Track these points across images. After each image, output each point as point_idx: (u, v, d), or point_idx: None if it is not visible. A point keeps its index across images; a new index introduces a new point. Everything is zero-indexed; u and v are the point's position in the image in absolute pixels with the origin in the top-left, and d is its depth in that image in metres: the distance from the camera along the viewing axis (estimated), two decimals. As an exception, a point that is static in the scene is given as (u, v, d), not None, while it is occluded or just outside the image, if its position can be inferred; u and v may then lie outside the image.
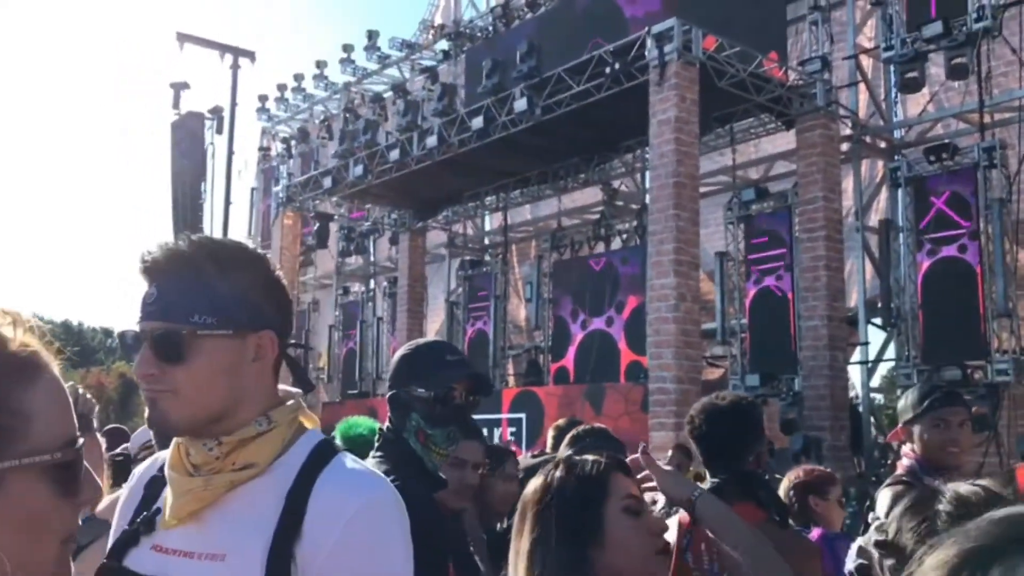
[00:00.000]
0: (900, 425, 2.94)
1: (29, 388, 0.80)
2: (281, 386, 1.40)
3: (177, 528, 1.31)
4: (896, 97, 11.75)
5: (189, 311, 1.28)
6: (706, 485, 2.25)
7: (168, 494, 1.34)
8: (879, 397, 15.74)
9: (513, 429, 11.47)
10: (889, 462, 11.13)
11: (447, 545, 2.12)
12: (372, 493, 1.28)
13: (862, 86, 11.91)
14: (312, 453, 1.32)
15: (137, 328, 1.30)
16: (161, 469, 1.40)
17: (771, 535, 2.11)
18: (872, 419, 11.27)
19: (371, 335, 17.05)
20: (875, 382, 13.03)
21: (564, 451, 2.44)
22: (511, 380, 14.68)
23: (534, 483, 1.61)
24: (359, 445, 3.57)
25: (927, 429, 2.82)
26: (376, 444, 2.22)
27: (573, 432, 2.45)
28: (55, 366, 0.85)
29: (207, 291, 1.29)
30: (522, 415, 11.50)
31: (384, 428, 2.22)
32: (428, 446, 2.09)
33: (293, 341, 1.40)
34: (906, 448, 2.90)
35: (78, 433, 0.85)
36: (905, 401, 2.95)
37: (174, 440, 1.35)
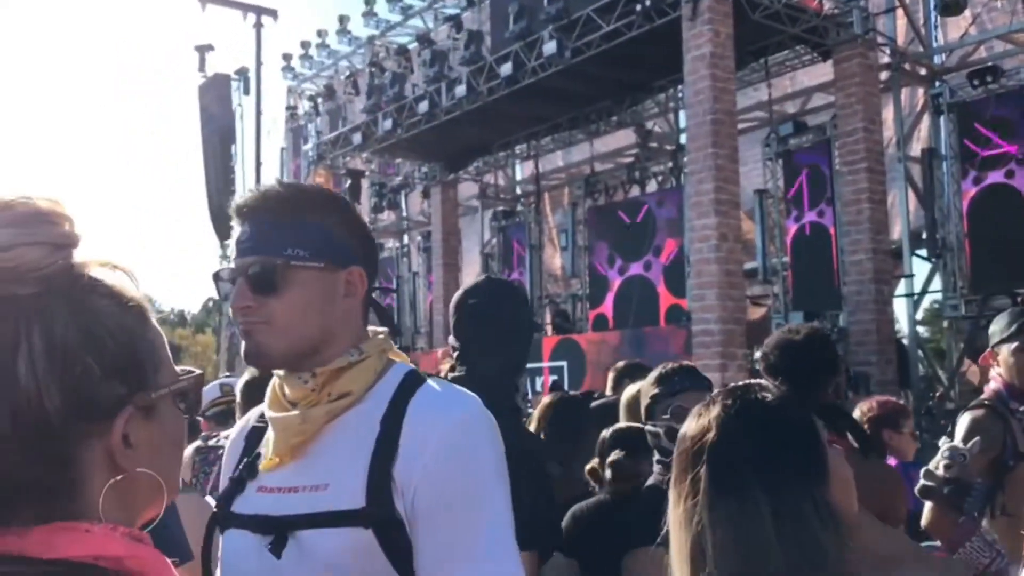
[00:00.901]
0: (989, 348, 2.86)
1: (151, 327, 0.87)
2: (369, 327, 1.45)
3: (280, 468, 1.34)
4: (936, 21, 11.40)
5: (282, 245, 1.33)
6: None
7: (269, 436, 1.38)
8: (924, 330, 15.55)
9: (555, 377, 11.47)
10: (937, 395, 11.01)
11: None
12: (462, 410, 1.32)
13: (900, 12, 11.54)
14: (403, 381, 1.37)
15: (232, 265, 1.36)
16: (260, 419, 1.45)
17: (856, 465, 2.05)
18: (920, 352, 11.11)
19: (407, 290, 17.09)
20: (919, 315, 12.84)
21: (649, 389, 2.38)
22: (549, 329, 14.66)
23: (711, 420, 1.31)
24: None
25: (1015, 353, 2.73)
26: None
27: (659, 371, 2.38)
28: None
29: (298, 228, 1.34)
30: (563, 363, 11.48)
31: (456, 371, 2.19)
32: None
33: (380, 285, 1.43)
34: (993, 372, 2.82)
35: None
36: (996, 325, 2.87)
37: (271, 381, 1.40)
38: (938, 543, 2.63)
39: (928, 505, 2.60)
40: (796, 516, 1.18)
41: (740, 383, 1.39)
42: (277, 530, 1.29)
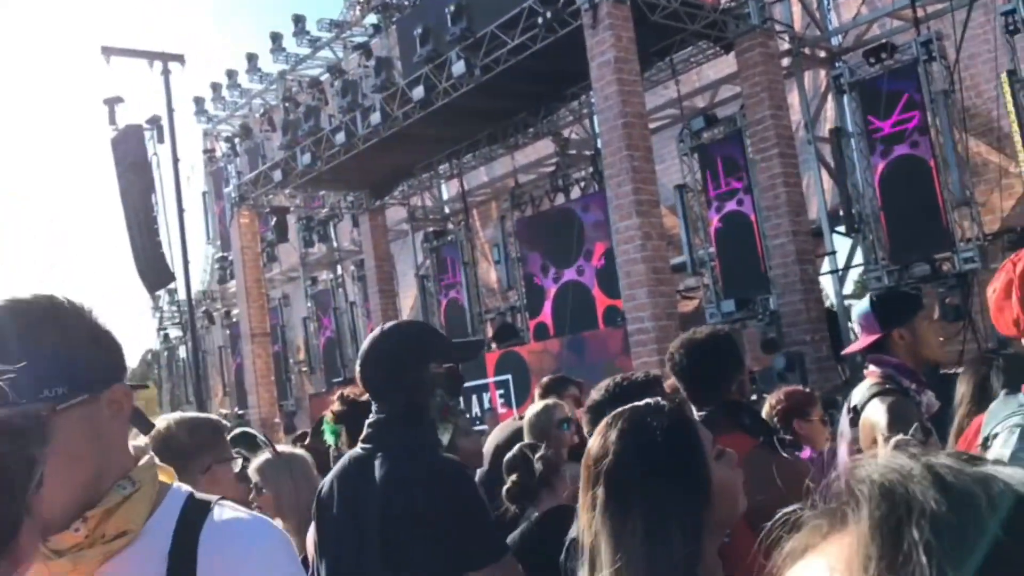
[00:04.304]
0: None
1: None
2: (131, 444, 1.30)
3: None
4: (829, 4, 11.76)
5: (38, 388, 1.10)
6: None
7: None
8: (853, 303, 15.92)
9: (501, 391, 11.52)
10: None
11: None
12: (264, 541, 1.23)
13: (794, -2, 11.89)
14: (184, 509, 1.23)
15: None
16: None
17: (762, 461, 2.13)
18: (850, 326, 11.40)
19: (347, 321, 17.00)
20: (848, 289, 13.18)
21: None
22: (492, 345, 14.71)
23: (610, 442, 1.41)
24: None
25: (919, 321, 2.85)
26: (368, 433, 2.22)
27: (613, 384, 2.48)
28: None
29: (45, 359, 1.12)
30: (508, 376, 11.53)
31: (377, 417, 2.22)
32: (448, 419, 2.17)
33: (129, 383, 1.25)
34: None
35: None
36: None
37: None
38: None
39: None
40: (663, 536, 1.30)
41: (640, 403, 1.51)
42: None
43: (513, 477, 2.68)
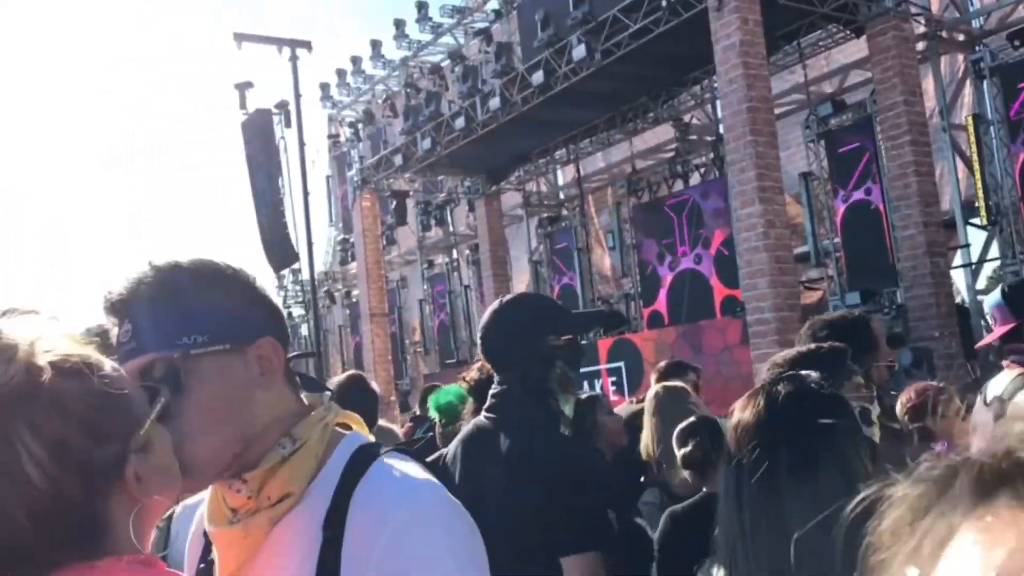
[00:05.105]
0: None
1: (106, 369, 0.95)
2: (305, 394, 1.25)
3: None
4: (970, -16, 11.20)
5: (175, 335, 1.11)
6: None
7: (215, 549, 1.20)
8: (984, 298, 15.17)
9: (613, 379, 11.47)
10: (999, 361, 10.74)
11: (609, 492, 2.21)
12: (412, 505, 1.10)
13: (932, -21, 11.36)
14: (348, 464, 1.15)
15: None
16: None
17: (891, 455, 2.07)
18: (983, 321, 10.87)
19: (460, 304, 17.25)
20: (981, 283, 12.56)
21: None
22: (601, 332, 14.65)
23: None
24: (448, 412, 3.69)
25: None
26: (491, 403, 2.24)
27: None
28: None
29: (189, 311, 1.13)
30: (620, 363, 11.48)
31: (499, 388, 2.24)
32: (569, 391, 2.16)
33: (295, 352, 1.21)
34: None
35: None
36: None
37: (211, 489, 1.20)
38: None
39: None
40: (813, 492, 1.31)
41: (781, 374, 1.57)
42: None
43: (692, 444, 2.67)
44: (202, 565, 1.24)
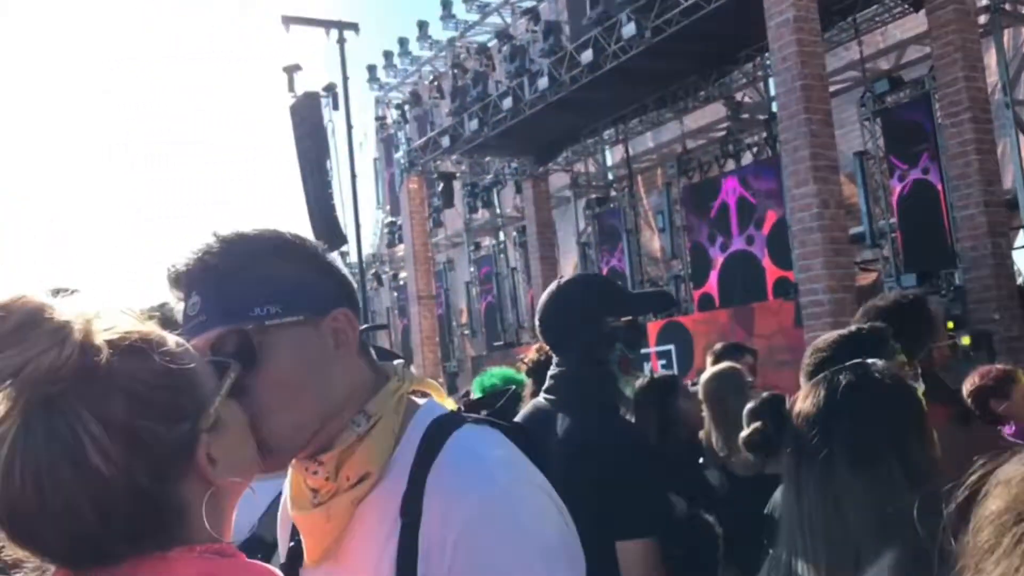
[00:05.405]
0: None
1: (170, 345, 0.93)
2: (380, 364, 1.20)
3: (320, 565, 1.15)
4: (1035, -45, 10.81)
5: (246, 307, 1.06)
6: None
7: (301, 535, 1.17)
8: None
9: (663, 362, 11.37)
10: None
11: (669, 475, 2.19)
12: (487, 488, 1.03)
13: (995, -50, 10.98)
14: (423, 440, 1.10)
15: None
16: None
17: (955, 437, 1.99)
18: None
19: (507, 286, 17.23)
20: (1044, 266, 12.20)
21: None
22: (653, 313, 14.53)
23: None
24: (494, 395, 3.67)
25: None
26: (550, 385, 2.21)
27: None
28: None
29: (259, 282, 1.08)
30: (670, 347, 11.37)
31: (559, 369, 2.21)
32: (629, 372, 2.14)
33: (368, 324, 1.11)
34: None
35: None
36: None
37: (290, 474, 1.17)
38: None
39: None
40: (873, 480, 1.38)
41: (846, 364, 1.57)
42: None
43: (756, 425, 2.61)
44: (292, 543, 1.21)
